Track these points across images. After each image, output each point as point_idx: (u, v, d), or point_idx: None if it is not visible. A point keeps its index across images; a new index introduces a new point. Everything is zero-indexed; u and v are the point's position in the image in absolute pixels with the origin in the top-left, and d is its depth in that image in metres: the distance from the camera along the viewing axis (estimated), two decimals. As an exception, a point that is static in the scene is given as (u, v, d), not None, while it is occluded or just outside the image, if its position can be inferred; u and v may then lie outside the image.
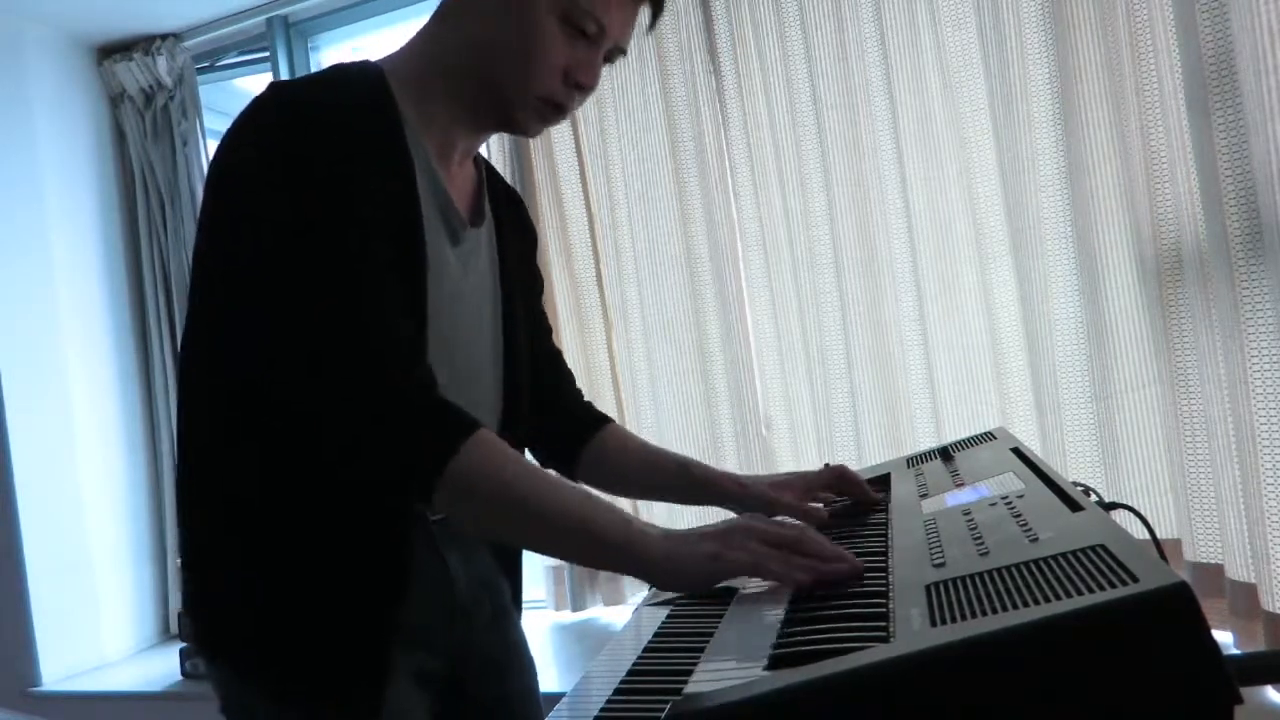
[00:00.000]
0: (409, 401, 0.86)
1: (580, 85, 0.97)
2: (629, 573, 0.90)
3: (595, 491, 1.20)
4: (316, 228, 0.86)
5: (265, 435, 0.92)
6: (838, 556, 0.86)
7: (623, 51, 1.01)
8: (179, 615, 2.75)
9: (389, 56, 1.01)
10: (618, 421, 1.29)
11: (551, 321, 2.24)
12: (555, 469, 1.25)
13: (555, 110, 0.99)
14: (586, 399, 1.30)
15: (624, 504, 2.26)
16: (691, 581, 0.89)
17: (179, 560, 1.01)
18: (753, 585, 0.94)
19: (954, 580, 0.67)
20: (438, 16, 1.00)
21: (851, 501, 1.17)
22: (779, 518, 1.05)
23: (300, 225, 0.86)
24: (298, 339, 0.86)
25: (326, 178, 0.87)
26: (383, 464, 0.86)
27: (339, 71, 0.96)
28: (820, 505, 1.16)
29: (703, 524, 0.95)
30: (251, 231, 0.88)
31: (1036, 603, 0.56)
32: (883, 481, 1.23)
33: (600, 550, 0.90)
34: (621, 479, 1.26)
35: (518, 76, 0.95)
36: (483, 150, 1.14)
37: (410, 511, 0.94)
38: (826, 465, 1.33)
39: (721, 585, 0.96)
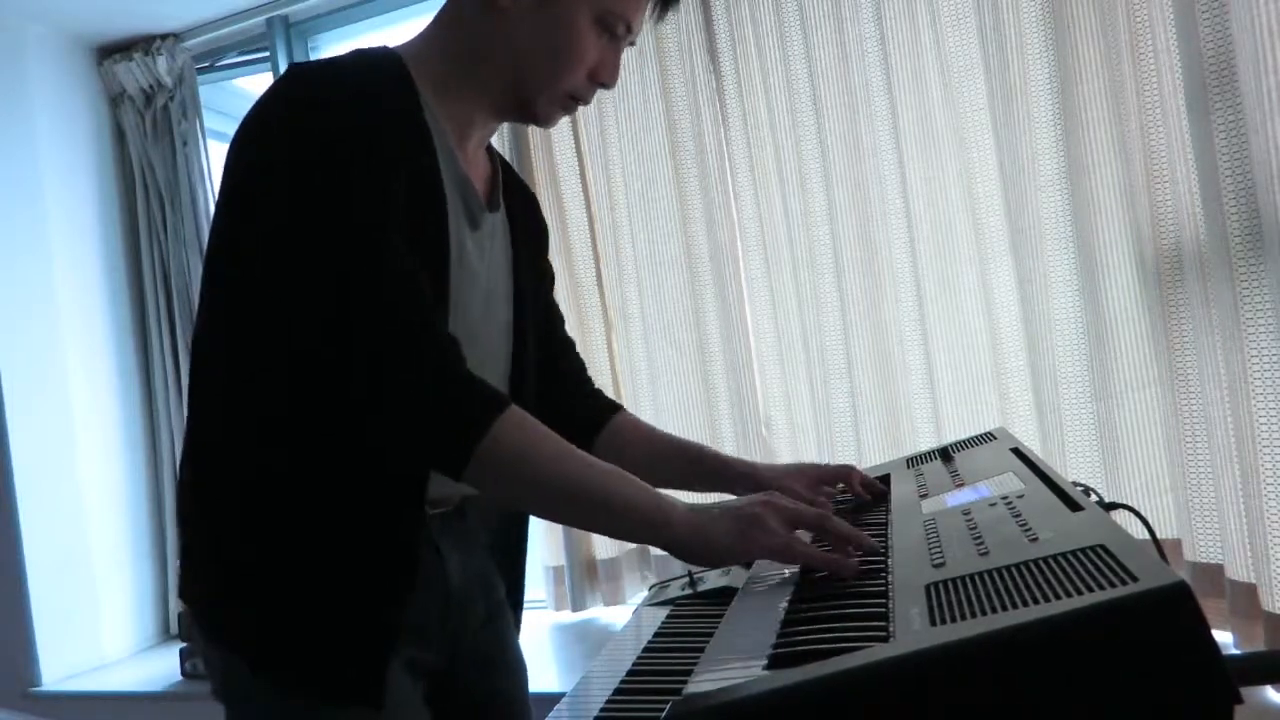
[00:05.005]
0: (442, 378, 0.86)
1: (603, 83, 1.02)
2: (658, 545, 0.92)
3: None
4: (340, 216, 0.86)
5: (274, 425, 0.92)
6: (859, 541, 0.89)
7: (633, 43, 1.05)
8: (179, 615, 2.75)
9: (407, 43, 1.02)
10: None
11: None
12: None
13: (576, 103, 1.03)
14: (599, 388, 1.30)
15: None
16: (720, 557, 0.92)
17: (179, 542, 1.01)
18: (764, 571, 0.94)
19: (954, 580, 0.67)
20: (463, 3, 1.00)
21: (853, 499, 1.17)
22: None
23: (323, 203, 0.86)
24: (322, 319, 0.86)
25: (347, 167, 0.87)
26: (416, 440, 0.87)
27: (359, 54, 0.97)
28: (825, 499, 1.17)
29: (725, 500, 0.97)
30: (273, 210, 0.88)
31: (1036, 603, 0.57)
32: (883, 482, 1.23)
33: (630, 525, 0.93)
34: (633, 466, 1.26)
35: (549, 72, 0.98)
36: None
37: (421, 508, 0.94)
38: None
39: (722, 585, 0.96)
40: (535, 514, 1.09)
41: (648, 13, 1.03)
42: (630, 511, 0.90)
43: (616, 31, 0.98)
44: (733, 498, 1.01)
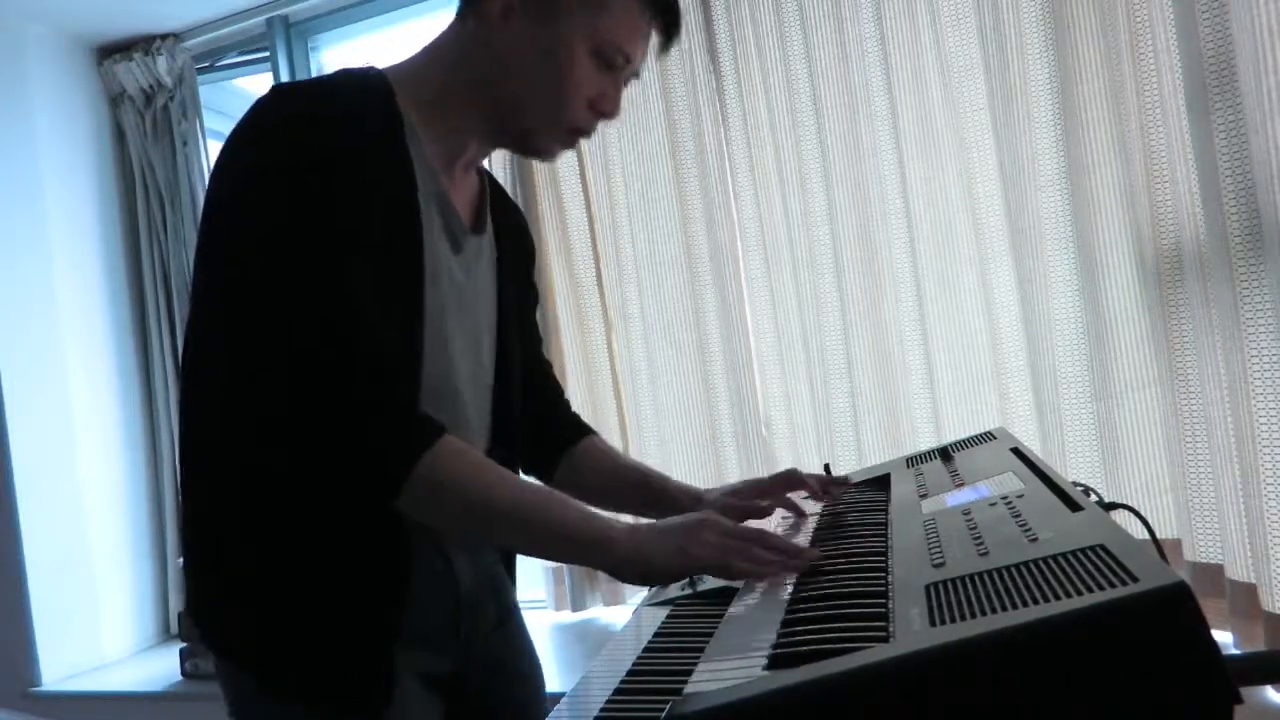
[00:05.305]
0: (375, 410, 0.87)
1: (604, 114, 1.01)
2: (597, 567, 0.93)
3: None
4: (304, 236, 0.86)
5: (264, 436, 0.92)
6: (796, 551, 0.91)
7: (637, 75, 1.05)
8: (179, 615, 2.75)
9: (398, 64, 1.01)
10: (617, 423, 1.30)
11: (552, 323, 2.26)
12: (534, 476, 1.26)
13: (579, 136, 1.03)
14: (575, 410, 1.31)
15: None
16: (658, 576, 0.93)
17: (181, 559, 1.01)
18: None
19: (954, 580, 0.67)
20: (460, 31, 1.00)
21: (851, 500, 1.17)
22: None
23: (289, 233, 0.86)
24: (280, 346, 0.87)
25: (319, 187, 0.87)
26: (353, 470, 0.88)
27: (342, 76, 0.97)
28: (766, 504, 1.20)
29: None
30: (244, 237, 0.89)
31: (1036, 603, 0.57)
32: (883, 481, 1.23)
33: (568, 548, 0.94)
34: (589, 491, 1.27)
35: (550, 106, 0.98)
36: (483, 155, 1.15)
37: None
38: (826, 466, 1.34)
39: (722, 585, 0.96)
40: (476, 539, 1.08)
41: (650, 45, 1.03)
42: (571, 535, 0.91)
43: (615, 63, 0.98)
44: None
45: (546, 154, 1.05)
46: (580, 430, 1.27)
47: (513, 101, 0.98)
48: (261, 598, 0.93)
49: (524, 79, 0.97)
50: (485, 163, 1.15)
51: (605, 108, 1.01)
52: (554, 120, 0.99)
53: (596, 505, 1.34)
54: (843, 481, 1.26)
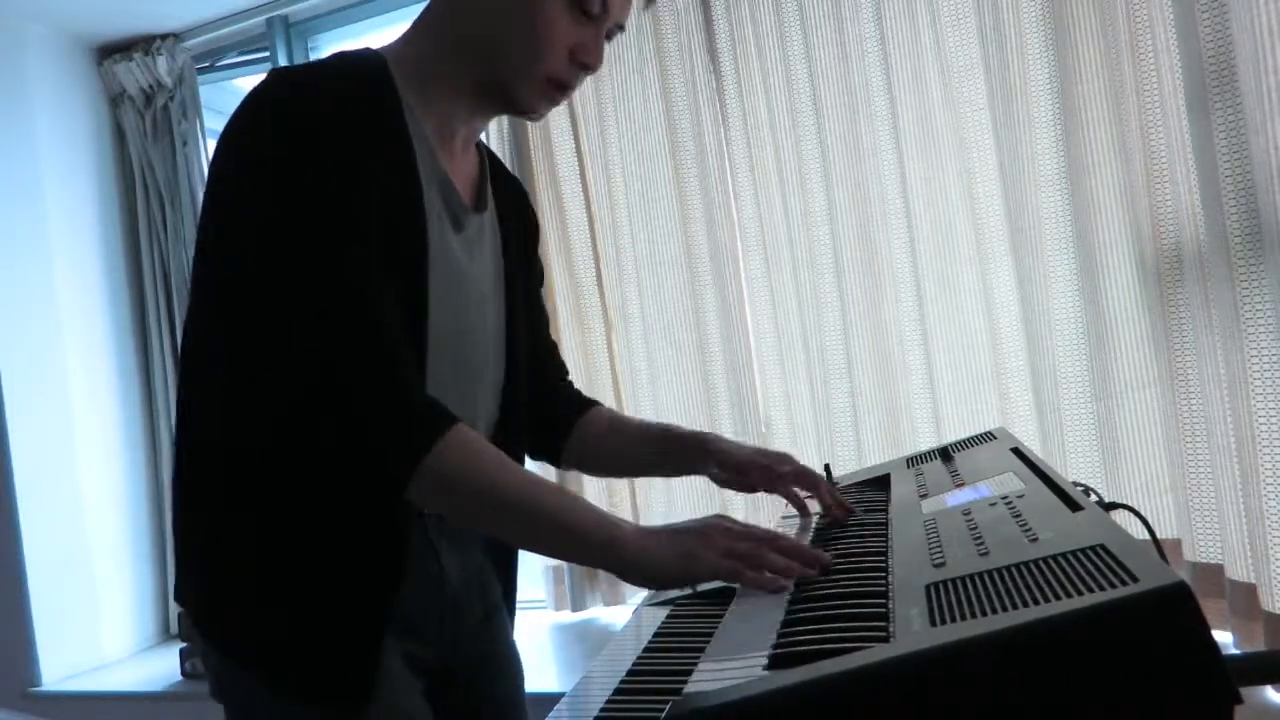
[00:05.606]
0: (385, 401, 0.86)
1: (585, 65, 0.99)
2: (603, 567, 0.92)
3: (583, 476, 1.20)
4: (305, 224, 0.86)
5: (262, 427, 0.92)
6: (810, 558, 0.89)
7: (621, 28, 1.03)
8: (179, 615, 2.75)
9: (391, 45, 1.01)
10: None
11: (552, 322, 2.25)
12: (542, 458, 1.26)
13: (561, 90, 1.01)
14: (578, 389, 1.30)
15: (596, 491, 2.26)
16: (665, 580, 0.91)
17: (174, 541, 1.01)
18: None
19: (954, 580, 0.67)
20: (436, 1, 1.00)
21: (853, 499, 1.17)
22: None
23: (284, 224, 0.86)
24: (283, 338, 0.87)
25: (319, 174, 0.86)
26: (359, 462, 0.87)
27: (340, 59, 0.97)
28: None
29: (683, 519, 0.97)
30: (240, 230, 0.88)
31: (1036, 603, 0.57)
32: (883, 481, 1.23)
33: (575, 545, 0.92)
34: (603, 458, 1.27)
35: (526, 58, 0.97)
36: (483, 149, 1.14)
37: (407, 505, 0.94)
38: (826, 466, 1.33)
39: (721, 585, 0.96)
40: (484, 532, 1.08)
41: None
42: (579, 533, 0.89)
43: (591, 11, 0.96)
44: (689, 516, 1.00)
45: (531, 110, 1.02)
46: (586, 403, 1.27)
47: (491, 60, 0.97)
48: (259, 595, 0.93)
49: (500, 36, 0.96)
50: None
51: (586, 59, 0.98)
52: (532, 71, 0.97)
53: (611, 474, 1.33)
54: (884, 487, 1.20)
